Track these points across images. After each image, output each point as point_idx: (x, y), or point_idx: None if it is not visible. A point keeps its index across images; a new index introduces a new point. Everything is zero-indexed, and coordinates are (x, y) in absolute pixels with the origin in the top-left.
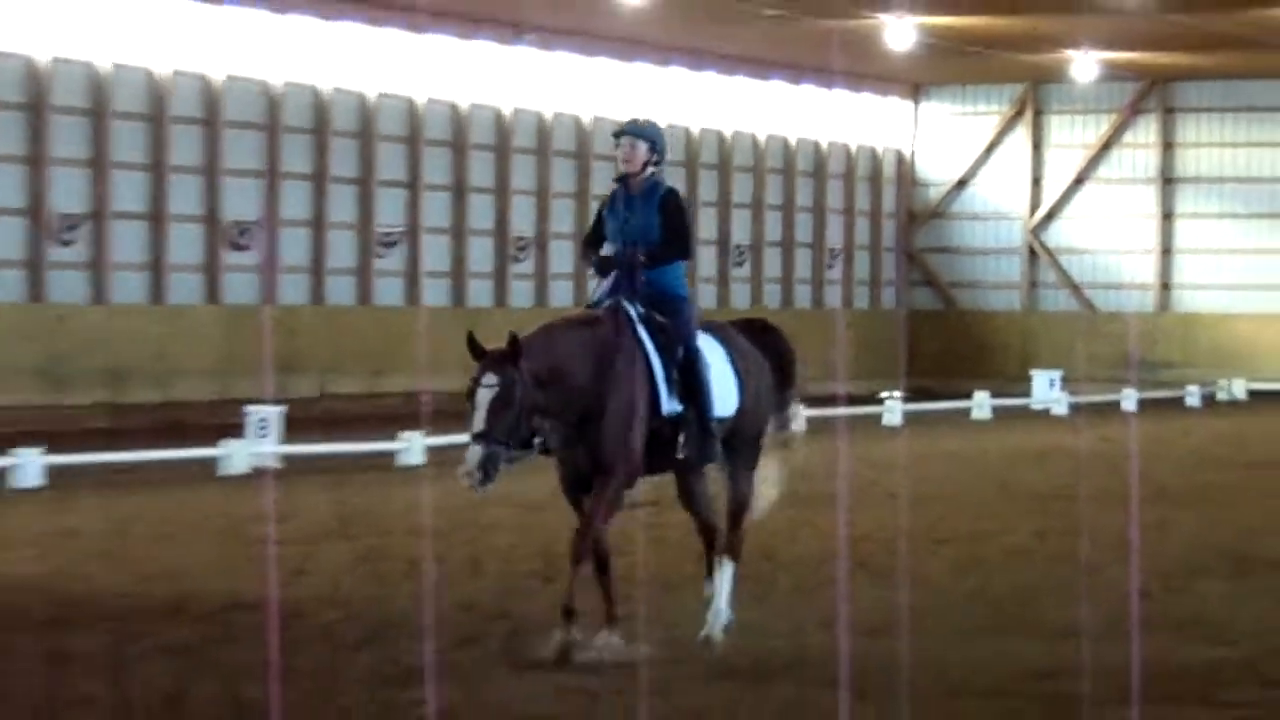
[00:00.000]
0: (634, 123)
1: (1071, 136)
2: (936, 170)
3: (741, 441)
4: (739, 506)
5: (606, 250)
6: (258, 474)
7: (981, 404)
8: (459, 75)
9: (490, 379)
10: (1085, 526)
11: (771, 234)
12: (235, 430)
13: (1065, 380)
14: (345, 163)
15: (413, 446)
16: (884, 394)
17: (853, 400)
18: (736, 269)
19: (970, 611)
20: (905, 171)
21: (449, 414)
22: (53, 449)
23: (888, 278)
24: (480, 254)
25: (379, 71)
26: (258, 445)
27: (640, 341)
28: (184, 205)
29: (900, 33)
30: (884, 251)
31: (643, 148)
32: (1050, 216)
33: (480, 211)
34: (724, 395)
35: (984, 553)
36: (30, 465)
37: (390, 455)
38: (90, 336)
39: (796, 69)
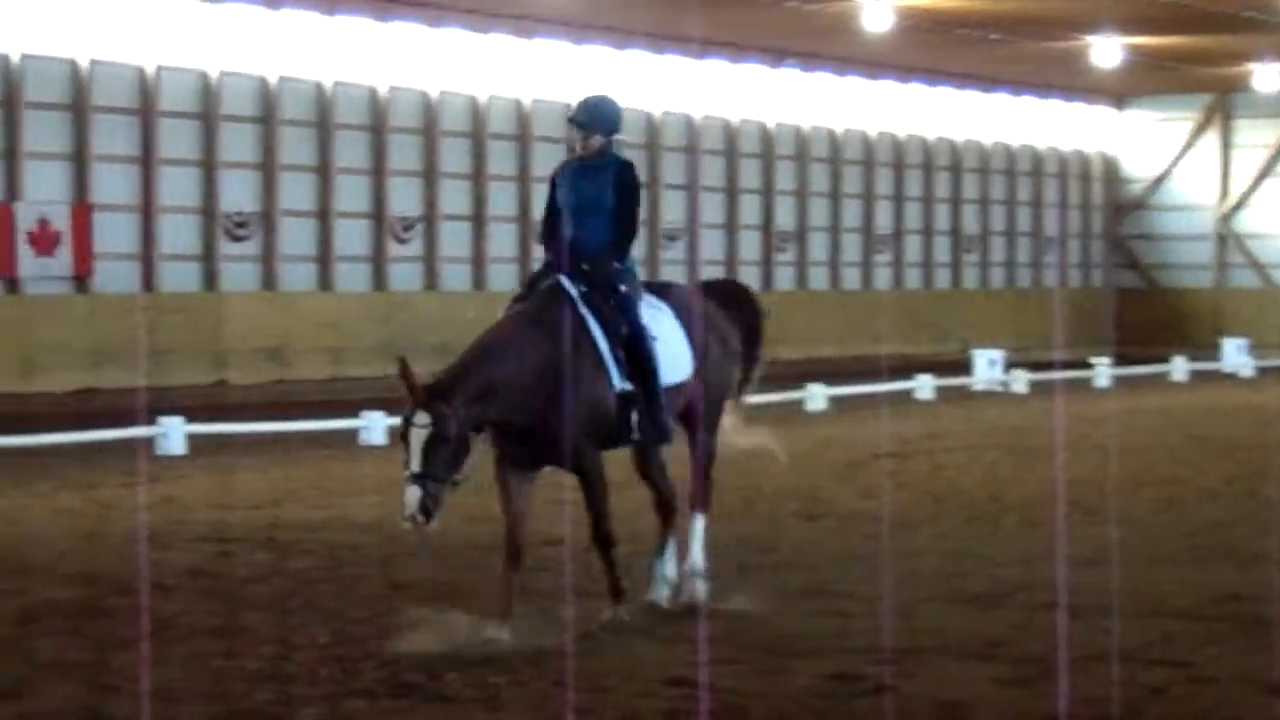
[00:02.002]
0: (587, 113)
1: (1255, 138)
2: (1138, 168)
3: (700, 401)
4: (703, 462)
5: (565, 222)
6: None
7: (1179, 368)
8: (731, 96)
9: (422, 418)
10: (1269, 470)
11: (996, 225)
12: None
13: (1252, 347)
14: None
15: None
16: (1094, 360)
17: (1067, 365)
18: (967, 255)
19: (1169, 544)
20: (1111, 170)
21: None
22: (394, 412)
23: (1096, 261)
24: (749, 245)
25: (663, 94)
26: None
27: (585, 323)
28: (503, 209)
29: (1106, 51)
30: (1093, 239)
31: (598, 137)
32: (1237, 207)
33: (749, 209)
34: (674, 361)
35: (1181, 494)
36: (376, 426)
37: None
38: (424, 319)
39: (1018, 84)
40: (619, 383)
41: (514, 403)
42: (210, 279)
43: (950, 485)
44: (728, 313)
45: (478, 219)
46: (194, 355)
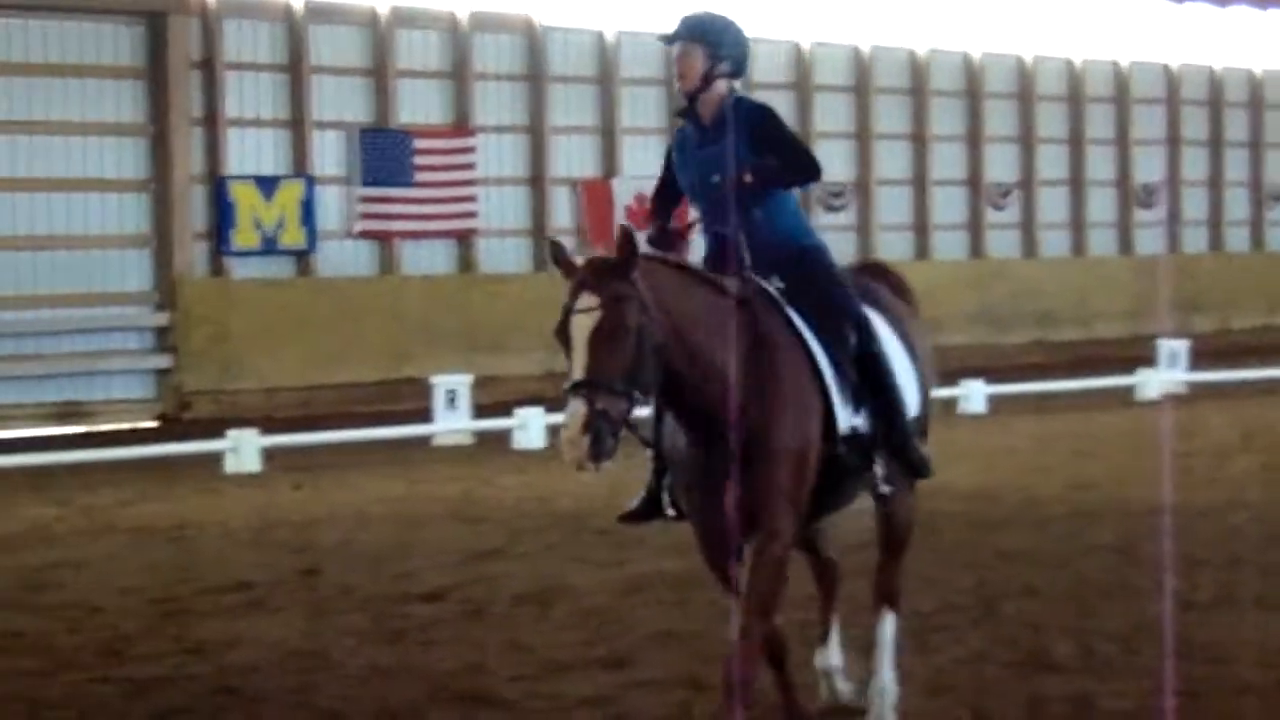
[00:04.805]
0: (683, 23)
1: None
2: None
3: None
4: (902, 534)
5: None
6: (1167, 399)
7: None
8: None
9: (588, 300)
10: None
11: None
12: (1147, 361)
13: None
14: (1238, 129)
15: None
16: None
17: None
18: None
19: None
20: None
21: None
22: (992, 380)
23: None
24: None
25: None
26: (1168, 374)
27: (798, 331)
28: (1100, 173)
29: None
30: None
31: (698, 55)
32: None
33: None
34: (908, 384)
35: None
36: (975, 394)
37: None
38: (1022, 286)
39: None
40: (847, 417)
41: (696, 368)
42: None
43: None
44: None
45: (1076, 184)
46: None
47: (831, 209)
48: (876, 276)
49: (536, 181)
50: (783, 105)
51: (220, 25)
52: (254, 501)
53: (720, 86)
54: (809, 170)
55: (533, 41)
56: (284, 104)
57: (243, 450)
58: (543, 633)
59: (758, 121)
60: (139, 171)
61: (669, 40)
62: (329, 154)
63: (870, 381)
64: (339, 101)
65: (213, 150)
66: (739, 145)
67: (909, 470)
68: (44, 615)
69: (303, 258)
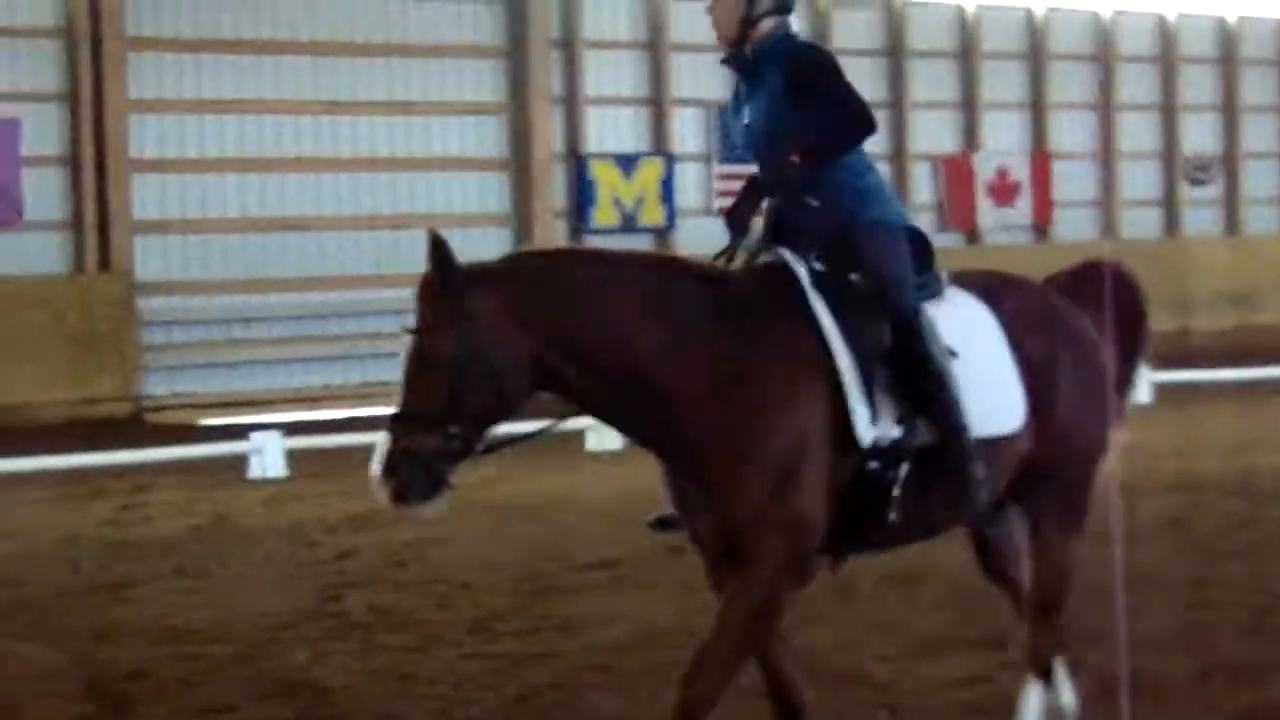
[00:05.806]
0: None
1: None
2: None
3: (1048, 476)
4: (1050, 588)
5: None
6: None
7: None
8: None
9: (410, 321)
10: None
11: None
12: None
13: None
14: None
15: None
16: None
17: None
18: None
19: None
20: None
21: None
22: None
23: None
24: None
25: None
26: None
27: (814, 320)
28: None
29: None
30: None
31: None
32: None
33: None
34: (990, 399)
35: None
36: None
37: None
38: None
39: None
40: (868, 427)
41: (624, 389)
42: (1172, 224)
43: None
44: (1094, 314)
45: None
46: (1156, 302)
47: (1197, 183)
48: (1063, 282)
49: (896, 157)
50: (1148, 76)
51: (580, 3)
52: (615, 479)
53: (764, 26)
54: (857, 124)
55: (892, 17)
56: (643, 82)
57: (604, 428)
58: (912, 612)
59: (798, 63)
60: (499, 150)
61: None
62: (688, 131)
63: (915, 380)
64: (698, 78)
65: (572, 128)
66: (774, 89)
67: (960, 509)
68: (411, 591)
69: (662, 235)
